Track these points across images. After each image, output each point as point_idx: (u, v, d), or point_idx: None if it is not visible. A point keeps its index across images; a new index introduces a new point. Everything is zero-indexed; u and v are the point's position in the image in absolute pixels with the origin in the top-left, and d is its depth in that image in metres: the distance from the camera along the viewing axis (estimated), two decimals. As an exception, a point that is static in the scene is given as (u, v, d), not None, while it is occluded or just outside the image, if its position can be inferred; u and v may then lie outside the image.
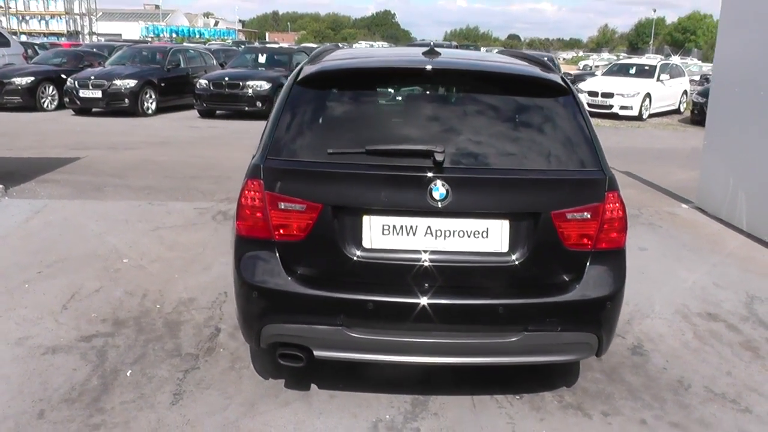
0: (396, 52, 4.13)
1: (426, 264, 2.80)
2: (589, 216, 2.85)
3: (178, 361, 3.44)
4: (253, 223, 2.84)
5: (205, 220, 6.03)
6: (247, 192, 2.85)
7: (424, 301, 2.78)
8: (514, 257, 2.84)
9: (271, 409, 3.06)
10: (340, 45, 21.18)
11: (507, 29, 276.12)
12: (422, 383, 3.27)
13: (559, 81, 3.13)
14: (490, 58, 3.95)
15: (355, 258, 2.79)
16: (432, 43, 3.56)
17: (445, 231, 2.81)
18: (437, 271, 2.81)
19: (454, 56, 3.92)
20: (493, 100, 3.06)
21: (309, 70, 3.14)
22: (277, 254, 2.83)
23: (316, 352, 2.86)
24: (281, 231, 2.80)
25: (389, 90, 3.29)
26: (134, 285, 4.42)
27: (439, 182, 2.73)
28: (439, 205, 2.74)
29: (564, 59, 63.98)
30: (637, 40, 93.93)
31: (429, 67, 3.08)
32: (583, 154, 2.95)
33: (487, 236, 2.82)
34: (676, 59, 28.94)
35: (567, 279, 2.91)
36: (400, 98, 3.22)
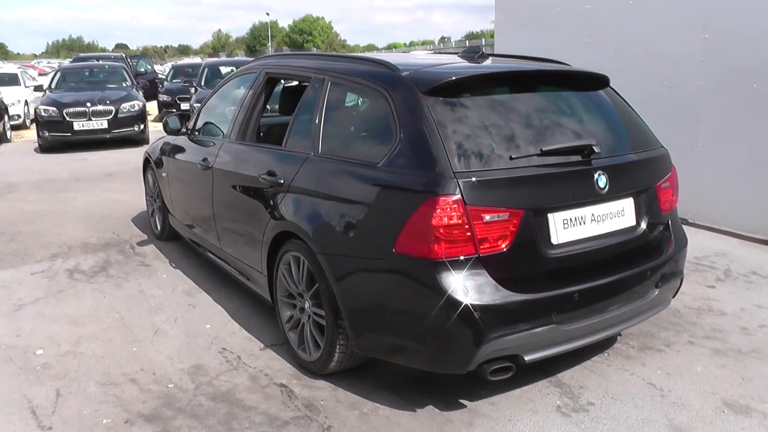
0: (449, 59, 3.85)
1: (598, 247, 3.01)
2: (668, 184, 3.39)
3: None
4: (456, 242, 2.62)
5: (70, 283, 4.84)
6: (440, 212, 2.58)
7: (606, 280, 2.99)
8: (641, 228, 3.21)
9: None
10: None
11: (110, 38, 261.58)
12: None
13: (605, 75, 3.49)
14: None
15: (549, 255, 2.83)
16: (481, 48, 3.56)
17: (600, 216, 3.03)
18: (605, 251, 3.04)
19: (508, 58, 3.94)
20: (583, 97, 3.36)
21: (434, 78, 2.95)
22: (485, 268, 2.65)
23: (527, 357, 2.79)
24: (487, 244, 2.66)
25: (511, 93, 3.21)
26: (100, 374, 3.44)
27: (601, 171, 2.95)
28: (603, 193, 2.95)
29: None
30: (255, 42, 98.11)
31: (534, 68, 3.34)
32: (647, 133, 3.46)
33: (623, 214, 3.13)
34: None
35: (666, 237, 3.39)
36: (514, 100, 3.17)
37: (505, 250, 2.72)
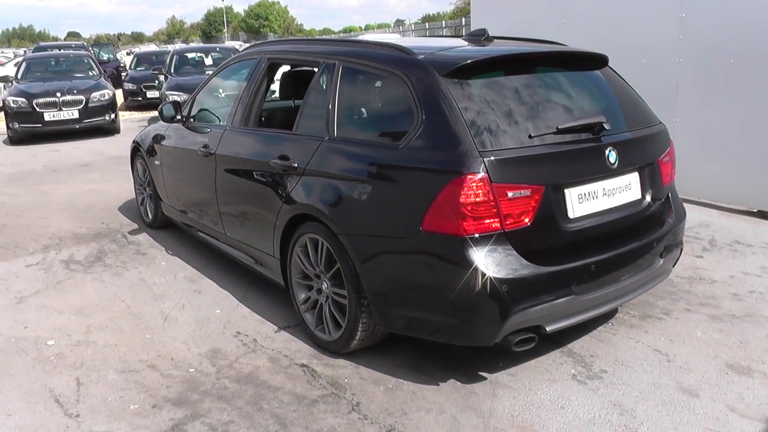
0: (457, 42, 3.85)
1: (609, 220, 3.13)
2: (668, 158, 3.52)
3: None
4: (483, 219, 2.70)
5: (68, 274, 4.79)
6: (467, 190, 2.66)
7: (618, 251, 3.11)
8: (645, 201, 3.34)
9: (478, 411, 2.92)
10: None
11: (61, 26, 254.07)
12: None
13: (605, 54, 3.60)
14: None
15: (567, 229, 2.94)
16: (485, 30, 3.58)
17: (610, 190, 3.14)
18: (616, 224, 3.16)
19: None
20: (588, 76, 3.46)
21: (451, 61, 3.01)
22: (510, 243, 2.74)
23: (549, 327, 2.90)
24: (511, 220, 2.75)
25: (523, 74, 3.27)
26: (117, 362, 3.44)
27: (611, 147, 3.07)
28: (613, 168, 3.07)
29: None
30: (210, 29, 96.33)
31: (546, 50, 3.44)
32: (647, 110, 3.58)
33: (630, 188, 3.25)
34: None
35: (667, 209, 3.54)
36: (527, 81, 3.24)
37: (528, 225, 2.81)
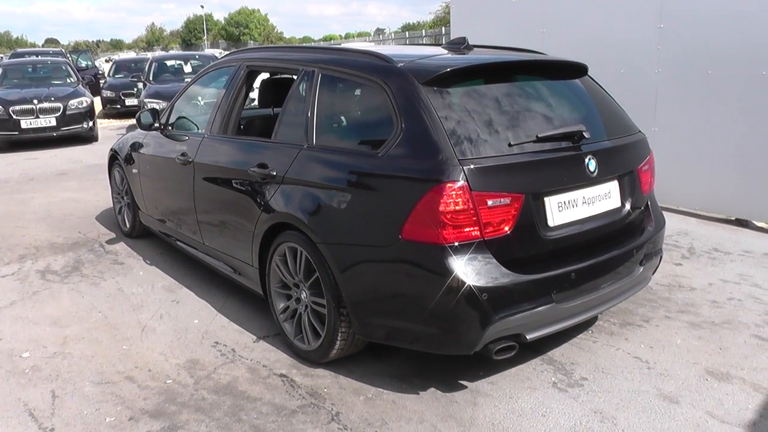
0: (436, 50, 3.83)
1: (589, 228, 3.14)
2: (648, 167, 3.55)
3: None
4: (462, 227, 2.69)
5: (44, 284, 4.71)
6: (446, 198, 2.65)
7: (598, 259, 3.12)
8: (625, 209, 3.35)
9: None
10: None
11: (39, 32, 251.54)
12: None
13: (584, 63, 3.62)
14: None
15: (546, 237, 2.93)
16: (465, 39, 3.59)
17: (590, 198, 3.16)
18: (596, 232, 3.17)
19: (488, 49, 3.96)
20: (568, 85, 3.48)
21: (431, 69, 3.01)
22: (490, 252, 2.73)
23: (529, 336, 2.89)
24: (491, 228, 2.74)
25: (503, 83, 3.27)
26: (93, 373, 3.38)
27: (590, 156, 3.08)
28: (593, 176, 3.08)
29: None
30: (190, 36, 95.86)
31: (525, 59, 3.44)
32: (626, 119, 3.61)
33: (610, 196, 3.27)
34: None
35: (647, 217, 3.57)
36: (507, 89, 3.24)
37: (508, 233, 2.81)
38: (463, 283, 2.69)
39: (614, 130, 3.46)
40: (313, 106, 3.38)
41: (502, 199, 2.77)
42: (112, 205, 6.26)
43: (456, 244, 2.71)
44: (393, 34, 43.23)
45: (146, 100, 11.63)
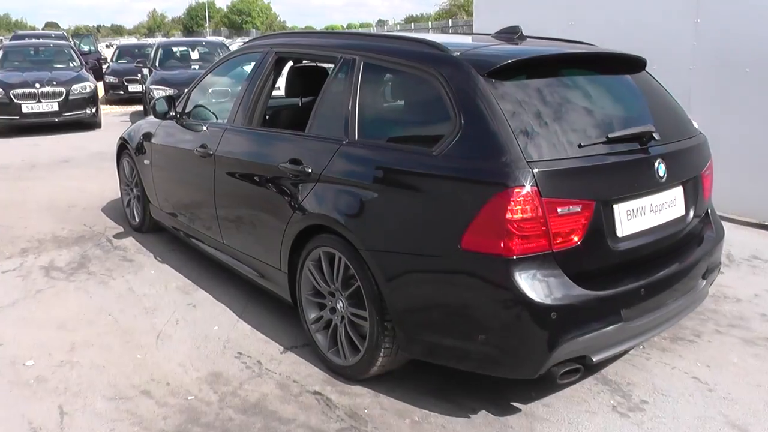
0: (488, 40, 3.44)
1: (657, 238, 2.87)
2: (709, 172, 3.27)
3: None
4: (530, 238, 2.40)
5: (48, 282, 4.41)
6: (513, 205, 2.36)
7: (666, 272, 2.86)
8: (689, 217, 3.07)
9: None
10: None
11: (39, 15, 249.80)
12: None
13: (644, 57, 3.33)
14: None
15: (616, 249, 2.67)
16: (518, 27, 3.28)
17: (657, 206, 2.88)
18: (663, 242, 2.91)
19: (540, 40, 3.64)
20: (630, 80, 3.19)
21: (492, 60, 2.70)
22: (558, 265, 2.46)
23: (595, 357, 2.62)
24: (560, 239, 2.46)
25: (567, 76, 2.99)
26: (105, 386, 3.08)
27: (660, 159, 2.81)
28: (662, 182, 2.81)
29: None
30: (192, 23, 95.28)
31: (591, 51, 3.17)
32: (686, 119, 3.32)
33: (675, 204, 2.99)
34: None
35: (708, 226, 3.29)
36: (570, 84, 2.96)
37: (577, 244, 2.53)
38: (530, 299, 2.41)
39: (678, 131, 3.17)
40: (354, 98, 3.07)
41: (572, 207, 2.48)
42: (118, 196, 5.96)
43: (522, 256, 2.42)
44: (397, 26, 42.74)
45: (152, 86, 11.26)
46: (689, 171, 3.10)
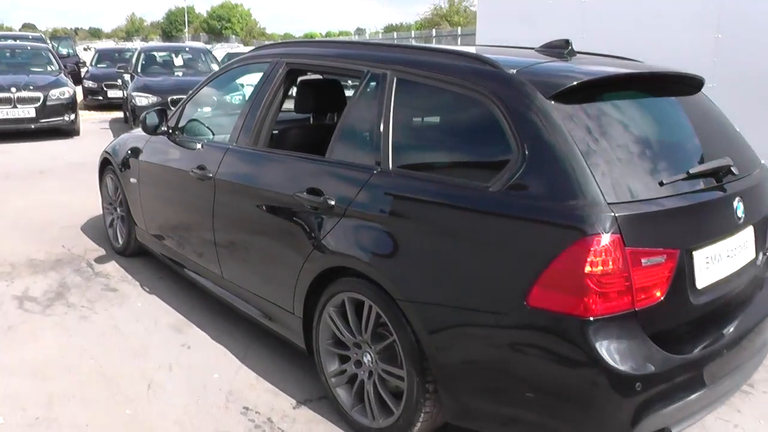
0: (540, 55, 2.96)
1: (733, 287, 2.50)
2: None
3: None
4: (611, 294, 2.01)
5: (21, 316, 3.91)
6: (594, 256, 1.96)
7: (745, 326, 2.48)
8: (759, 260, 2.71)
9: None
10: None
11: (11, 16, 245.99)
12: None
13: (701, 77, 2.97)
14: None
15: (696, 303, 2.29)
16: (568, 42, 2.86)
17: (732, 250, 2.49)
18: (737, 291, 2.54)
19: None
20: (696, 105, 2.81)
21: (558, 81, 2.30)
22: (641, 326, 2.09)
23: (675, 429, 2.21)
24: (643, 295, 2.08)
25: (638, 100, 2.61)
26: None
27: (739, 197, 2.46)
28: (739, 223, 2.45)
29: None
30: (171, 28, 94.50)
31: (658, 71, 2.71)
32: (749, 148, 2.92)
33: (747, 246, 2.60)
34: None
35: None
36: (639, 109, 2.58)
37: (660, 300, 2.14)
38: (612, 368, 2.01)
39: (749, 162, 2.80)
40: (387, 120, 2.64)
41: (657, 257, 2.10)
42: (98, 213, 5.47)
43: (602, 316, 2.03)
44: (379, 35, 42.39)
45: (134, 93, 10.74)
46: (762, 209, 2.74)
